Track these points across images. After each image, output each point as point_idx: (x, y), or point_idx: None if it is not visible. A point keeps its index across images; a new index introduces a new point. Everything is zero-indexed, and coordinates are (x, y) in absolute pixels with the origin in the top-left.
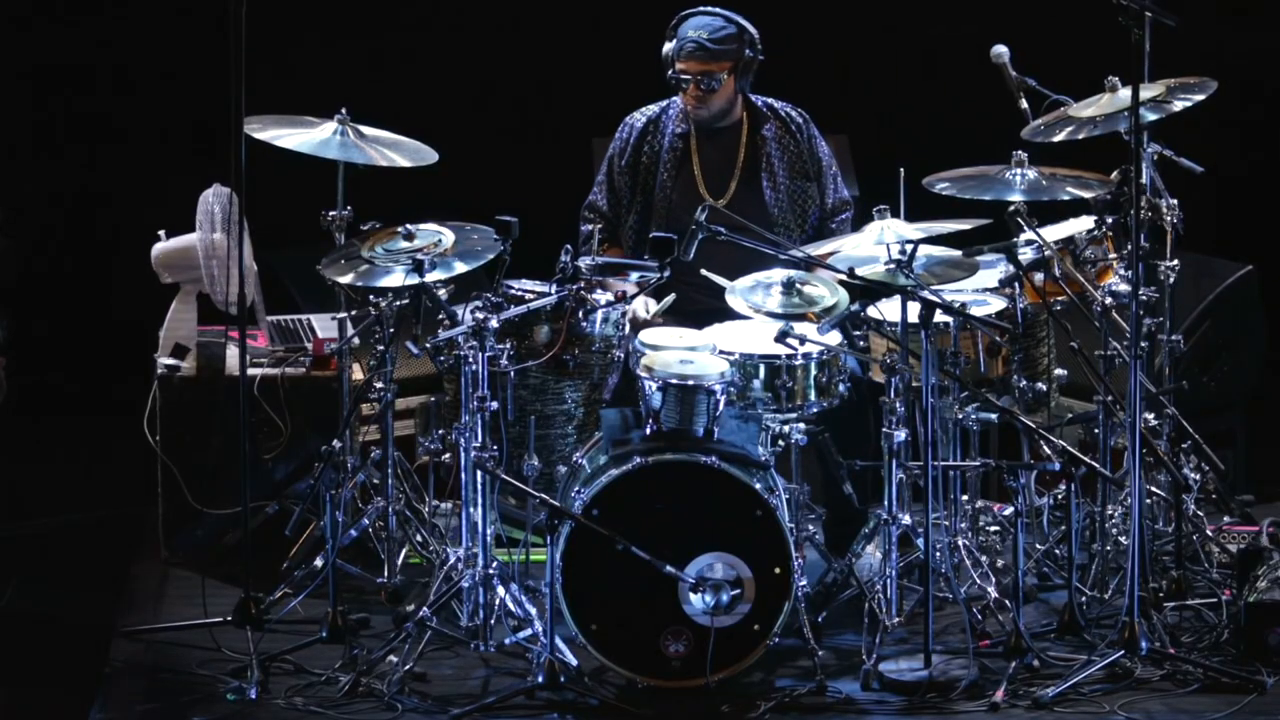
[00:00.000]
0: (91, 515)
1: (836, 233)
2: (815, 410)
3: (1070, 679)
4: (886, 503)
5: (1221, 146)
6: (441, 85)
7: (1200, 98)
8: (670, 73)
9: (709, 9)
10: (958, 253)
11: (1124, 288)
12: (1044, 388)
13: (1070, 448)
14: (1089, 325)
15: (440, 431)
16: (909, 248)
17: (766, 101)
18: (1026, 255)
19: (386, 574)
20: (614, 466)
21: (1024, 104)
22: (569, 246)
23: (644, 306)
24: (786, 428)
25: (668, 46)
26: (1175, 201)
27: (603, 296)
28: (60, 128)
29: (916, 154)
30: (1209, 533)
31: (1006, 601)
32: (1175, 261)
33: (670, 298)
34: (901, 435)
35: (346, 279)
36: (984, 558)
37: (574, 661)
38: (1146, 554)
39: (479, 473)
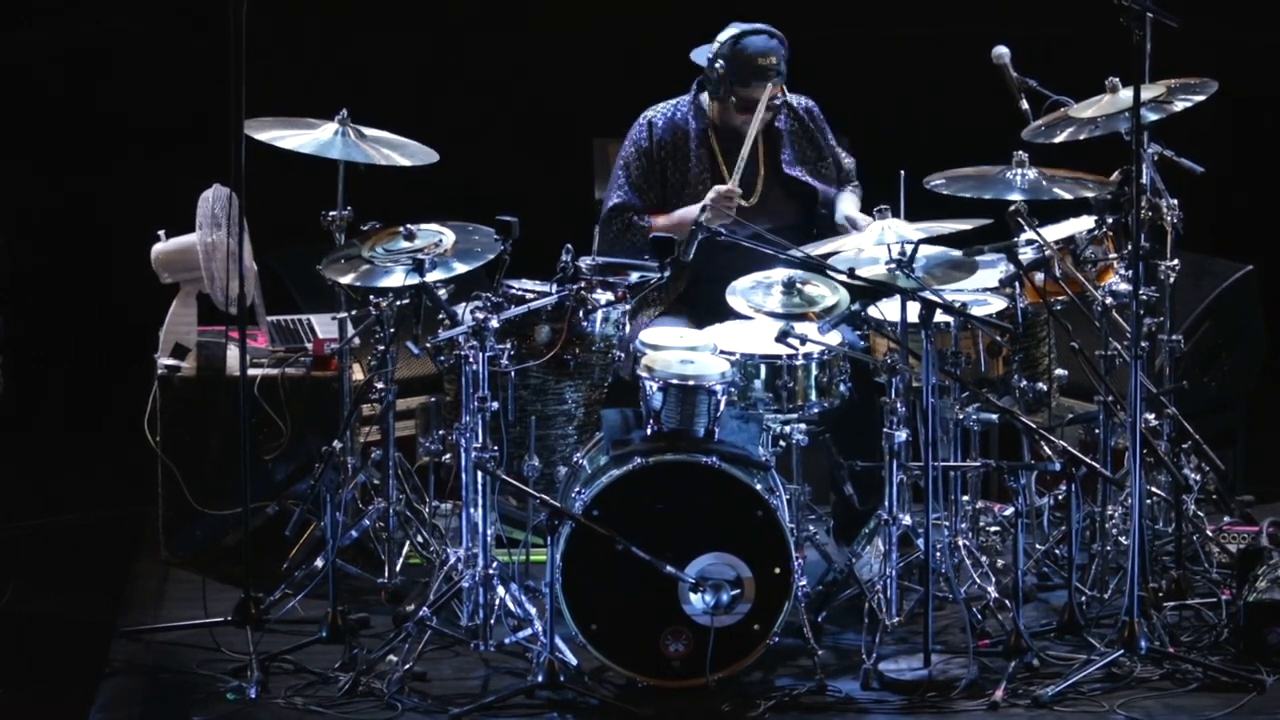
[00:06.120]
0: (91, 515)
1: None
2: (816, 410)
3: (1070, 678)
4: (887, 503)
5: (1222, 146)
6: (442, 85)
7: (1201, 98)
8: (736, 92)
9: (765, 29)
10: (958, 253)
11: (1124, 287)
12: (1044, 388)
13: (1070, 448)
14: (1089, 325)
15: (440, 432)
16: (909, 248)
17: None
18: (1027, 255)
19: (386, 574)
20: (614, 467)
21: (1024, 104)
22: (569, 246)
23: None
24: (787, 428)
25: (723, 65)
26: (1175, 201)
27: (603, 296)
28: (60, 126)
29: (916, 154)
30: (1209, 533)
31: (1006, 601)
32: (1175, 261)
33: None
34: (902, 435)
35: (347, 279)
36: (984, 558)
37: (574, 661)
38: (1146, 554)
39: (479, 473)
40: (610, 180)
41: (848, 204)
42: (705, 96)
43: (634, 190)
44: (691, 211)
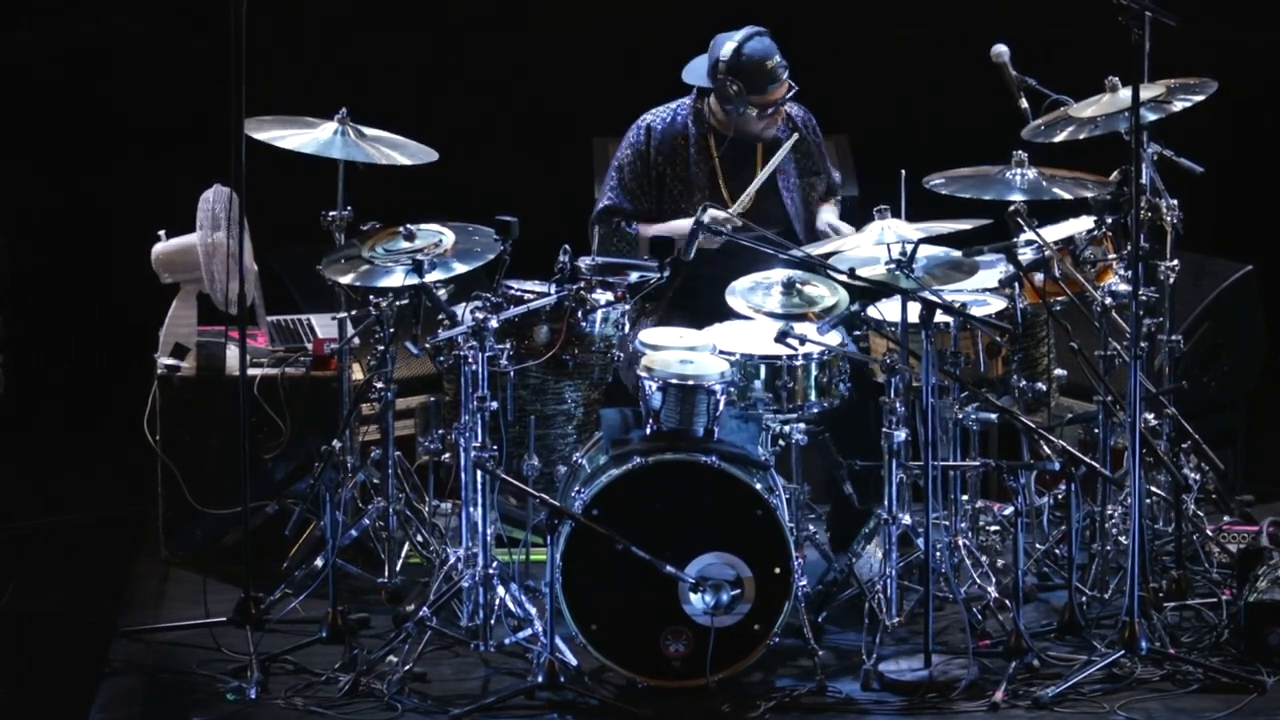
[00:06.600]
0: (91, 515)
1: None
2: (815, 410)
3: (1070, 679)
4: (886, 503)
5: (1222, 146)
6: (442, 85)
7: (1200, 98)
8: (753, 100)
9: (755, 30)
10: (958, 253)
11: (1124, 288)
12: (1044, 388)
13: (1070, 448)
14: (1089, 325)
15: (440, 431)
16: (909, 248)
17: None
18: (1026, 255)
19: (386, 574)
20: (614, 466)
21: (1024, 104)
22: (568, 247)
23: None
24: (787, 428)
25: (733, 80)
26: (1175, 201)
27: (603, 296)
28: (60, 126)
29: (916, 154)
30: (1209, 533)
31: (1006, 601)
32: (1175, 261)
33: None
34: (901, 435)
35: (346, 279)
36: (984, 558)
37: (574, 661)
38: (1146, 554)
39: (479, 473)
40: (604, 180)
41: (828, 213)
42: (710, 102)
43: (625, 194)
44: (683, 224)
